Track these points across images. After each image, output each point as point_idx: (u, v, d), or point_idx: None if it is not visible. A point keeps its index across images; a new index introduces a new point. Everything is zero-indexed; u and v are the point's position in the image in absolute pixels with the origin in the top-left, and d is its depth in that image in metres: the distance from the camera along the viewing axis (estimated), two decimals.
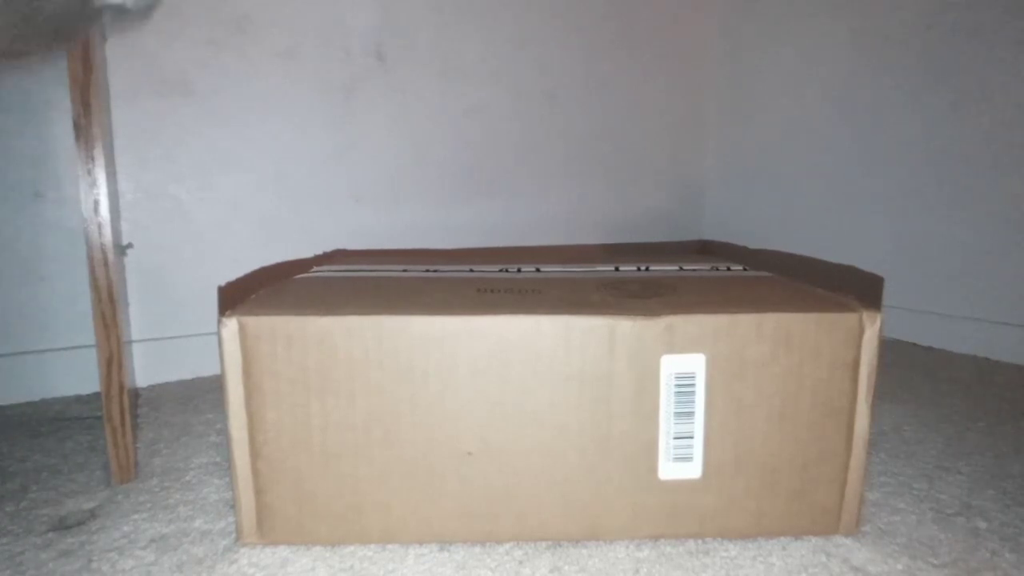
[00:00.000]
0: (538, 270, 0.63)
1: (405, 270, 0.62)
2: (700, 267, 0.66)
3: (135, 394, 0.82)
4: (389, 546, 0.48)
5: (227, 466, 0.62)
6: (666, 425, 0.46)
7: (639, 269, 0.64)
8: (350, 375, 0.45)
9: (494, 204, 1.17)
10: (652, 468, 0.47)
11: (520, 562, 0.46)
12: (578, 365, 0.45)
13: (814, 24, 1.22)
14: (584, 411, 0.46)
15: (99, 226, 0.55)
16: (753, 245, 1.37)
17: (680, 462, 0.46)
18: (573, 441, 0.46)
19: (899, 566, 0.46)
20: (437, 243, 1.12)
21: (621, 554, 0.47)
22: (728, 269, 0.65)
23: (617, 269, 0.64)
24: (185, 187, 0.90)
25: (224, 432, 0.71)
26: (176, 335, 0.91)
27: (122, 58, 0.84)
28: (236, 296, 0.50)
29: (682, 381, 0.45)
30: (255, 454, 0.46)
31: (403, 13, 1.04)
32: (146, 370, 0.89)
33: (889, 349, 1.05)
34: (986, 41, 0.97)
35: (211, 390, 0.86)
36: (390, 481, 0.46)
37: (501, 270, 0.63)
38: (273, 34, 0.94)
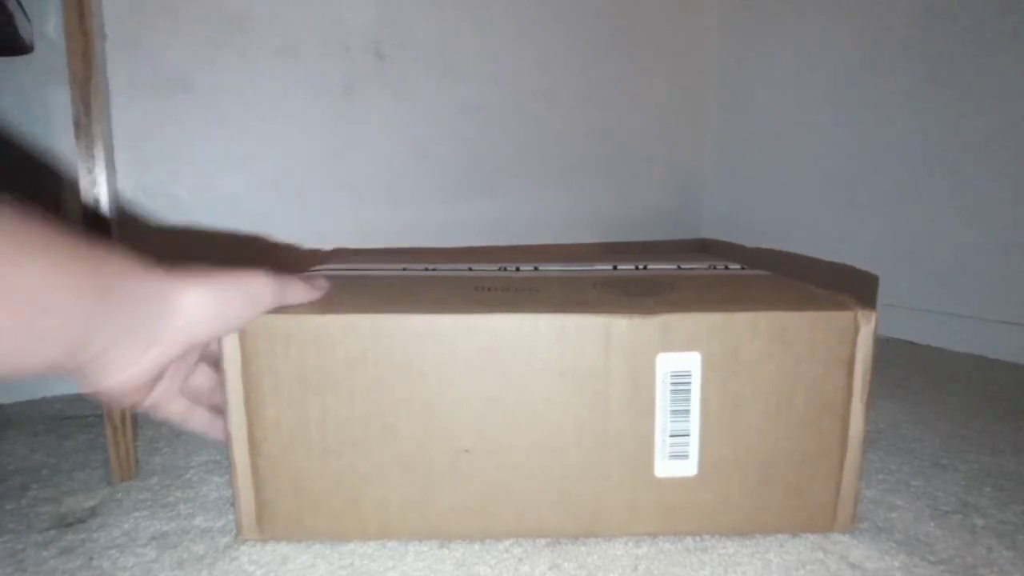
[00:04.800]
0: (536, 269, 0.63)
1: (404, 269, 0.63)
2: (698, 266, 0.66)
3: None
4: (389, 543, 0.48)
5: (227, 464, 0.62)
6: (662, 423, 0.46)
7: (637, 268, 0.65)
8: (348, 373, 0.45)
9: (493, 202, 1.18)
10: (648, 466, 0.47)
11: (519, 559, 0.46)
12: (574, 363, 0.45)
13: (814, 23, 1.22)
14: (580, 408, 0.46)
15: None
16: (751, 244, 1.38)
17: (676, 460, 0.47)
18: (569, 438, 0.46)
19: (896, 563, 0.46)
20: (436, 241, 1.12)
21: (620, 551, 0.47)
22: (726, 268, 0.65)
23: (615, 268, 0.65)
24: (184, 185, 0.90)
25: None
26: None
27: (122, 56, 0.84)
28: None
29: (678, 379, 0.45)
30: (254, 451, 0.46)
31: (402, 11, 1.04)
32: None
33: (886, 347, 1.05)
34: (986, 41, 0.97)
35: None
36: (388, 477, 0.46)
37: (499, 269, 0.63)
38: (272, 32, 0.94)
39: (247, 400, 0.45)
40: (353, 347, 0.44)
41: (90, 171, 0.55)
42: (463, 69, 1.11)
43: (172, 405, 0.43)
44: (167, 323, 0.34)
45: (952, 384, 0.86)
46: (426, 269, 0.62)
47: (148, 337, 0.34)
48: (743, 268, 0.65)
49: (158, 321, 0.34)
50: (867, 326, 0.46)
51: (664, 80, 1.36)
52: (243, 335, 0.44)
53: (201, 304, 0.36)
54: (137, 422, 0.74)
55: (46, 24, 0.78)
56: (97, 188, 0.55)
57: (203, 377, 0.46)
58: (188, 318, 0.35)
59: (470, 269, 0.62)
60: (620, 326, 0.45)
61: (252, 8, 0.92)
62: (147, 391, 0.39)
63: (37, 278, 0.28)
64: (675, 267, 0.65)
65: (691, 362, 0.45)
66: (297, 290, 0.44)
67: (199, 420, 0.46)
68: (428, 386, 0.45)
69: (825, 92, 1.21)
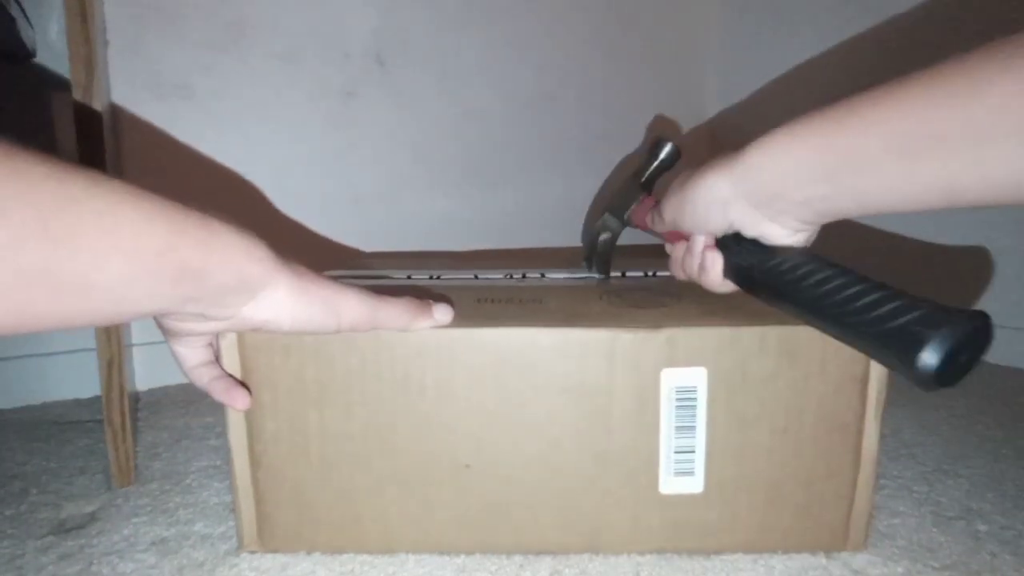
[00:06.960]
0: (543, 276, 0.63)
1: (408, 277, 0.62)
2: None
3: (135, 398, 0.82)
4: None
5: (227, 470, 0.62)
6: (667, 439, 0.45)
7: (645, 275, 0.64)
8: (348, 386, 0.44)
9: (493, 206, 1.17)
10: (653, 482, 0.46)
11: (520, 566, 0.46)
12: (577, 377, 0.44)
13: (813, 24, 1.22)
14: (583, 424, 0.45)
15: None
16: None
17: (681, 476, 0.46)
18: (572, 454, 0.45)
19: (899, 569, 0.46)
20: (437, 245, 1.12)
21: (622, 558, 0.47)
22: None
23: (623, 275, 0.64)
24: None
25: (223, 436, 0.71)
26: None
27: (123, 62, 0.84)
28: None
29: (683, 395, 0.44)
30: (255, 464, 0.46)
31: (402, 18, 1.04)
32: (146, 374, 0.88)
33: None
34: (986, 41, 0.97)
35: None
36: (388, 491, 0.46)
37: (506, 276, 0.62)
38: (273, 38, 0.94)
39: (247, 412, 0.45)
40: (352, 360, 0.44)
41: None
42: (463, 74, 1.11)
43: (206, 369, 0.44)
44: (250, 311, 0.36)
45: (954, 389, 0.86)
46: (430, 277, 0.62)
47: (226, 315, 0.36)
48: None
49: (242, 307, 0.36)
50: None
51: (664, 82, 1.36)
52: (242, 347, 0.44)
53: (287, 308, 0.37)
54: (137, 427, 0.73)
55: (48, 30, 0.77)
56: None
57: None
58: (271, 315, 0.37)
59: (475, 277, 0.62)
60: (625, 341, 0.44)
61: (253, 14, 0.92)
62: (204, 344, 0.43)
63: (156, 239, 0.30)
64: None
65: (697, 377, 0.44)
66: (391, 314, 0.42)
67: (218, 386, 0.45)
68: (428, 400, 0.45)
69: (824, 93, 1.20)
